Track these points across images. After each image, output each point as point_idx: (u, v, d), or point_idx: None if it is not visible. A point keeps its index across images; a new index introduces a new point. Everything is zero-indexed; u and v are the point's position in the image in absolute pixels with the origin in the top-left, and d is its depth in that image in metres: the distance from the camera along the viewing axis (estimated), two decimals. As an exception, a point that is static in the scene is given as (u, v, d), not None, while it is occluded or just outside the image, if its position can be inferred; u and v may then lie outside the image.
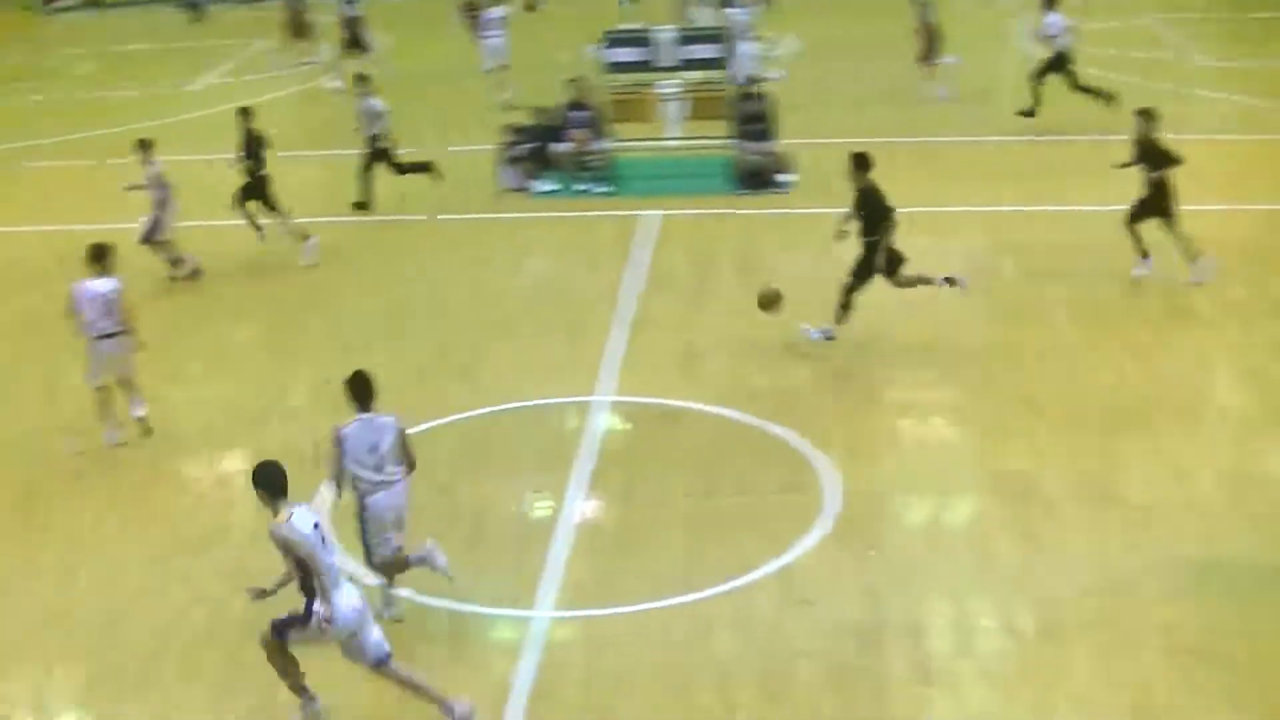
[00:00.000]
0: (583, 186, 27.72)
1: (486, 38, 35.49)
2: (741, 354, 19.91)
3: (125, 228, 24.56)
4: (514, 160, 28.20)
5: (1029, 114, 30.18)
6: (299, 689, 12.92)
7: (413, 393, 19.32)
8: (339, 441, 13.90)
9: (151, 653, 14.25)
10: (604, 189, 27.52)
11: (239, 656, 13.98)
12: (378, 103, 26.93)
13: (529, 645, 13.93)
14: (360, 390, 14.13)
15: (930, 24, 33.83)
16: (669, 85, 28.83)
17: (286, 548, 12.27)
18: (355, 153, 27.29)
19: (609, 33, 29.27)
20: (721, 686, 13.12)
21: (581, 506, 16.43)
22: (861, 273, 19.96)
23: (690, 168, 28.11)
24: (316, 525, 12.38)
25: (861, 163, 20.01)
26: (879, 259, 19.85)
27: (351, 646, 12.58)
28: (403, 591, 14.67)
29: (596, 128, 28.08)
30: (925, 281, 20.18)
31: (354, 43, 38.18)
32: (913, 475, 16.82)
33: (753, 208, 25.97)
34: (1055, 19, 30.46)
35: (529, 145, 28.19)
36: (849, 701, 12.89)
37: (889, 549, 15.27)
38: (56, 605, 15.30)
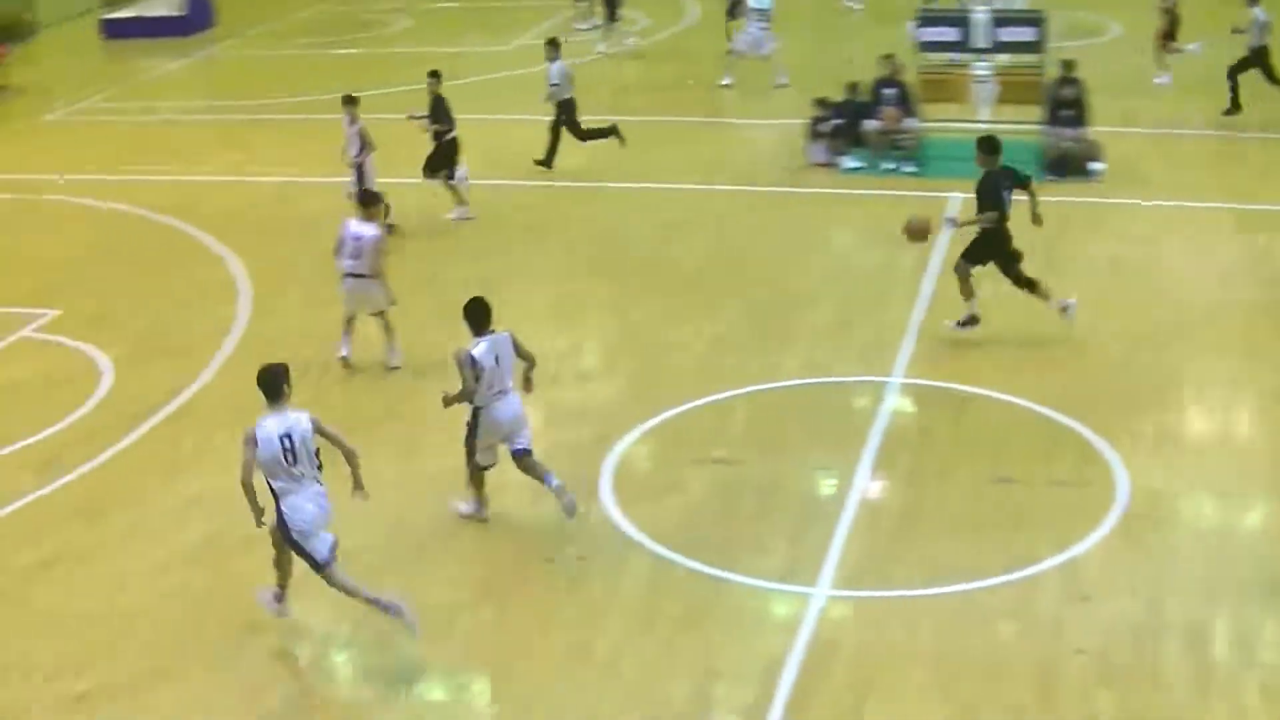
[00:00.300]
0: (890, 165, 27.55)
1: (750, 23, 35.18)
2: (1038, 342, 19.64)
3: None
4: (822, 135, 28.17)
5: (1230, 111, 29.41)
6: (376, 604, 13.72)
7: (710, 361, 19.58)
8: (473, 363, 15.10)
9: (448, 597, 14.72)
10: (911, 169, 27.35)
11: (514, 607, 14.40)
12: (556, 69, 27.91)
13: (805, 621, 14.00)
14: (478, 315, 15.40)
15: (1172, 6, 32.99)
16: (982, 66, 28.50)
17: (248, 450, 13.37)
18: (678, 118, 27.56)
19: (923, 11, 29.06)
20: (993, 678, 13.05)
21: (867, 487, 16.44)
22: (1004, 258, 19.58)
23: (999, 151, 27.77)
24: (285, 436, 13.32)
25: (988, 147, 19.74)
26: (983, 244, 19.50)
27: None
28: (694, 563, 15.00)
29: (907, 106, 27.91)
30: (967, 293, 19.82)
31: (611, 10, 38.84)
32: (1205, 476, 16.46)
33: (1060, 195, 25.44)
34: (1255, 12, 29.40)
35: (838, 121, 28.13)
36: (1124, 702, 12.73)
37: (1175, 550, 15.01)
38: (343, 548, 15.80)
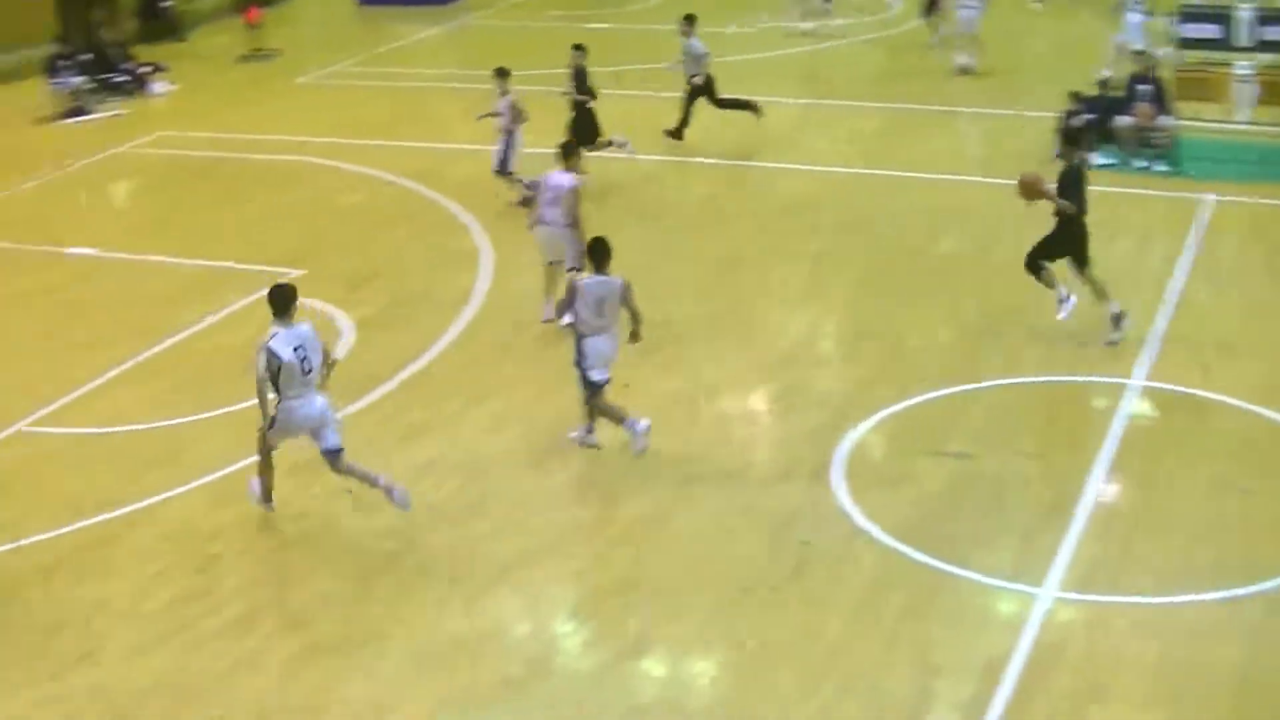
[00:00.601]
0: (1142, 163, 26.92)
1: (961, 8, 34.67)
2: (1285, 351, 19.22)
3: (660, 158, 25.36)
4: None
5: None
6: (265, 469, 15.92)
7: (950, 353, 19.36)
8: (574, 290, 16.82)
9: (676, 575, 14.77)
10: (1163, 168, 26.74)
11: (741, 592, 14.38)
12: (699, 44, 28.29)
13: (1030, 622, 13.77)
14: (598, 255, 16.85)
15: None
16: (1243, 66, 27.80)
17: (262, 358, 15.10)
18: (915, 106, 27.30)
19: (1185, 7, 28.46)
20: (1222, 693, 12.72)
21: (1101, 490, 16.10)
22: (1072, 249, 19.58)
23: (1258, 153, 27.05)
24: (297, 348, 15.13)
25: (1073, 138, 20.12)
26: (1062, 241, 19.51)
27: (317, 438, 15.56)
28: (921, 555, 14.86)
29: (1162, 103, 27.32)
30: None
31: None
32: None
33: (1316, 201, 24.99)
34: None
35: (1090, 116, 27.61)
36: (1358, 727, 12.41)
37: None
38: (577, 520, 15.94)
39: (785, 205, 25.52)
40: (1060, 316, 19.44)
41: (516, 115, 25.21)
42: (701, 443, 17.29)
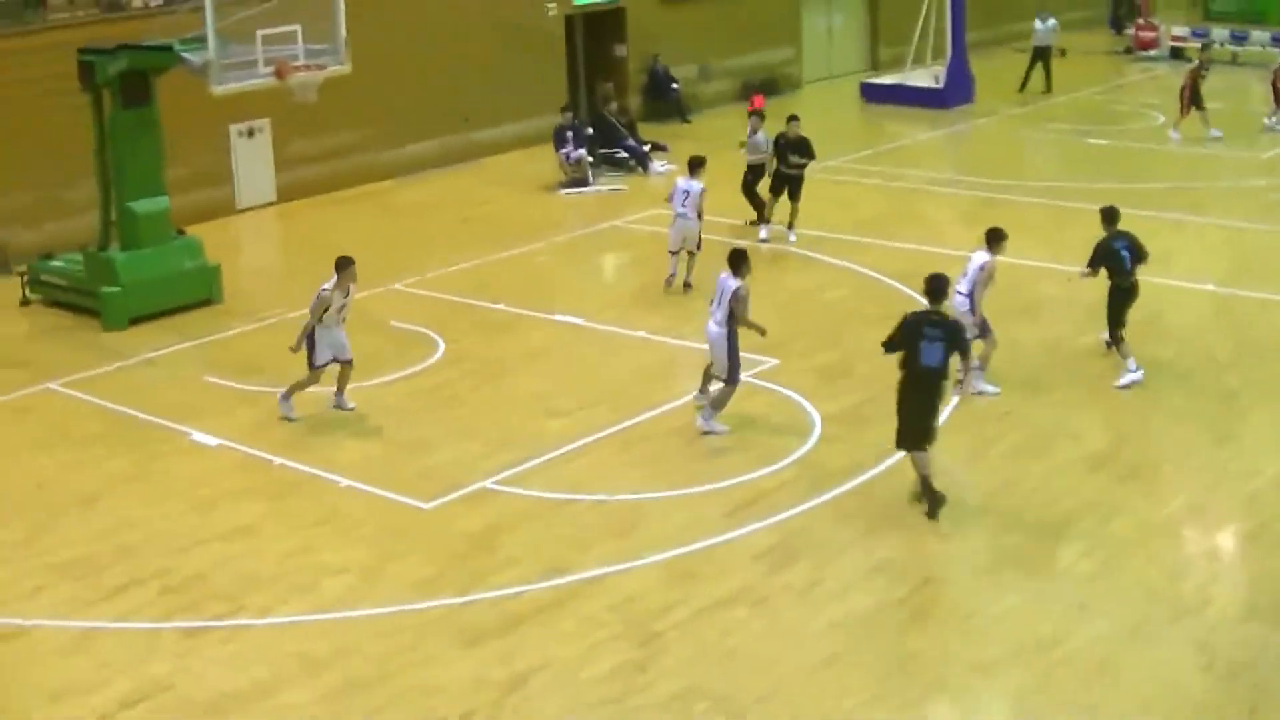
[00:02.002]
0: None
1: None
2: None
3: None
4: None
5: None
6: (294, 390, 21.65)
7: None
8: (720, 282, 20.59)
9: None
10: None
11: None
12: (762, 138, 31.04)
13: None
14: (734, 261, 20.41)
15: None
16: None
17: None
18: None
19: None
20: None
21: None
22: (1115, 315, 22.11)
23: None
24: (323, 290, 21.12)
25: (1107, 216, 22.28)
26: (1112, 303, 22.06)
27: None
28: None
29: None
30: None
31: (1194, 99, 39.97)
32: None
33: None
34: None
35: None
36: None
37: None
38: (1025, 638, 15.58)
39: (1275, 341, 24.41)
40: (1116, 384, 21.95)
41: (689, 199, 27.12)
42: (1163, 575, 16.72)
